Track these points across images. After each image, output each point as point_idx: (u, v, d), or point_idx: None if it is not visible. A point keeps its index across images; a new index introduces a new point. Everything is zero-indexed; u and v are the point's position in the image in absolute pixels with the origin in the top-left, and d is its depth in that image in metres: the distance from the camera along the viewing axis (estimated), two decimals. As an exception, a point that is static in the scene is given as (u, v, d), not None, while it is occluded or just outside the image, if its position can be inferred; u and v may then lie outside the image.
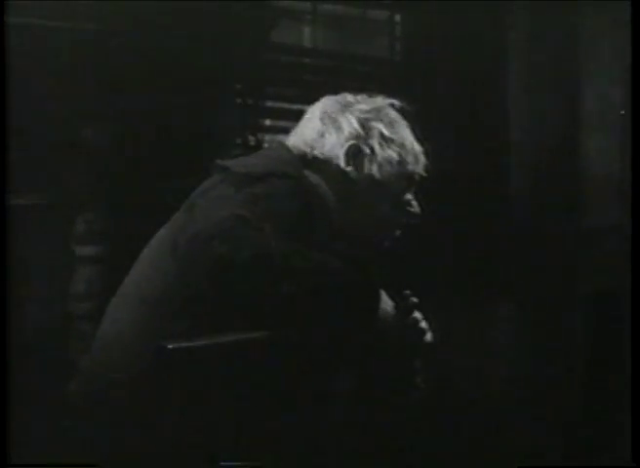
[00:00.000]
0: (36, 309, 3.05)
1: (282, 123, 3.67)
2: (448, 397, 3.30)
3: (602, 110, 3.85)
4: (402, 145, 2.08)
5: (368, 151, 2.05)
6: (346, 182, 2.04)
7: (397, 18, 3.98)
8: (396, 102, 2.14)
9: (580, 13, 3.84)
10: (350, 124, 2.06)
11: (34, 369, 2.87)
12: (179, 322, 1.83)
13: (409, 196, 2.11)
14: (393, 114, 2.11)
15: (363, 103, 2.10)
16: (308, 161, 2.04)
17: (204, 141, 3.31)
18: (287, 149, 2.07)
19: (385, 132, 2.07)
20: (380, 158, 2.06)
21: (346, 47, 3.96)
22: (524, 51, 3.91)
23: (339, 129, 2.06)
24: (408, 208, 2.11)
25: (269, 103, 3.67)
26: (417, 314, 1.92)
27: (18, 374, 2.27)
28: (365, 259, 1.97)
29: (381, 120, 2.08)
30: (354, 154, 2.05)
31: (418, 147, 2.11)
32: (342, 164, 2.04)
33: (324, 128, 2.07)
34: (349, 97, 2.12)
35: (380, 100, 2.13)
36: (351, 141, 2.05)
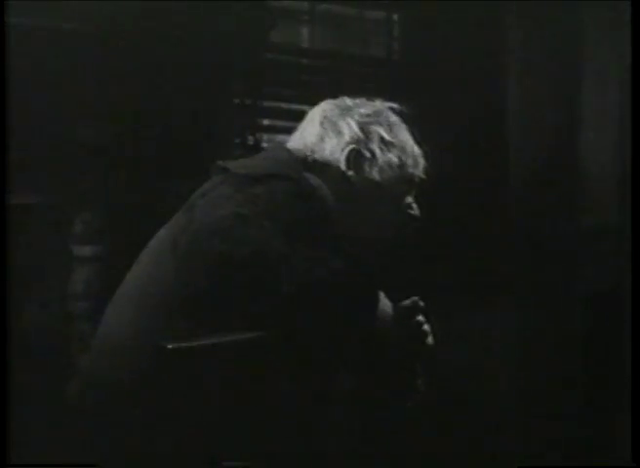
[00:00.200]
0: (36, 309, 3.04)
1: (281, 123, 3.67)
2: (447, 397, 3.30)
3: (602, 110, 3.85)
4: (402, 149, 2.08)
5: (368, 155, 2.06)
6: (347, 186, 2.04)
7: (395, 17, 3.98)
8: (395, 106, 2.14)
9: (580, 13, 3.84)
10: (350, 128, 2.06)
11: (34, 369, 2.87)
12: (179, 322, 1.83)
13: (409, 199, 2.11)
14: (393, 118, 2.11)
15: (362, 107, 2.10)
16: (309, 164, 2.04)
17: (203, 141, 3.31)
18: (287, 151, 2.07)
19: (385, 135, 2.07)
20: (380, 162, 2.06)
21: (344, 47, 3.96)
22: (524, 51, 3.91)
23: (339, 133, 2.06)
24: (408, 211, 2.11)
25: (268, 103, 3.67)
26: (420, 317, 1.92)
27: (18, 374, 2.27)
28: (365, 260, 1.97)
29: (381, 124, 2.08)
30: (355, 158, 2.05)
31: (417, 150, 2.12)
32: (343, 168, 2.04)
33: (324, 132, 2.07)
34: (348, 101, 2.12)
35: (380, 104, 2.13)
36: (352, 146, 2.05)
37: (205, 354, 1.79)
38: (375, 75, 3.90)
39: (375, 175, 2.06)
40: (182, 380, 1.78)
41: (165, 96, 3.21)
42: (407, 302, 1.92)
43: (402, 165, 2.08)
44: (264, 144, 3.62)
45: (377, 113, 2.10)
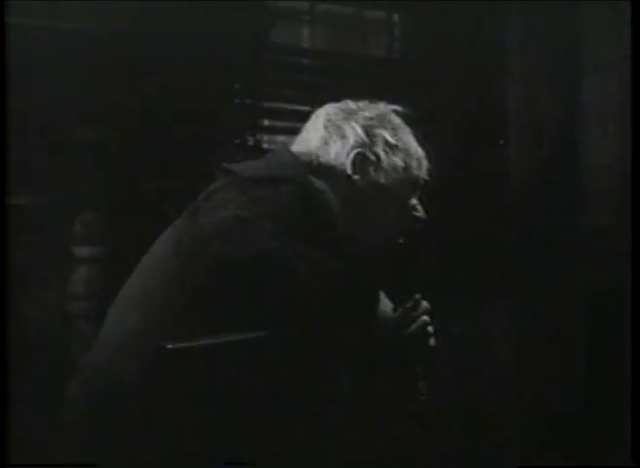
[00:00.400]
0: (36, 309, 3.04)
1: (281, 123, 3.67)
2: (447, 396, 3.30)
3: (602, 110, 3.85)
4: (406, 151, 2.09)
5: (373, 158, 2.06)
6: (352, 189, 2.04)
7: (395, 17, 3.98)
8: (399, 109, 2.14)
9: (580, 13, 3.84)
10: (355, 132, 2.06)
11: (34, 369, 2.87)
12: (181, 323, 1.83)
13: (413, 201, 2.12)
14: (396, 120, 2.11)
15: (366, 110, 2.10)
16: (314, 167, 2.04)
17: (203, 141, 3.31)
18: (292, 154, 2.07)
19: (390, 139, 2.07)
20: (385, 165, 2.07)
21: (344, 47, 3.96)
22: (524, 51, 3.91)
23: (343, 136, 2.06)
24: (413, 212, 2.12)
25: (268, 104, 3.67)
26: (424, 317, 1.92)
27: (18, 374, 2.27)
28: (366, 261, 1.97)
29: (385, 127, 2.08)
30: (360, 162, 2.05)
31: (421, 152, 2.12)
32: (349, 171, 2.04)
33: (328, 135, 2.07)
34: (352, 105, 2.12)
35: (383, 107, 2.13)
36: (357, 149, 2.05)
37: (204, 354, 1.79)
38: (375, 75, 3.90)
39: (380, 178, 2.06)
40: (182, 380, 1.78)
41: (165, 96, 3.20)
42: (410, 302, 1.93)
43: (407, 168, 2.09)
44: (265, 145, 3.62)
45: (380, 116, 2.10)
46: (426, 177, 2.13)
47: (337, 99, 2.17)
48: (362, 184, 2.05)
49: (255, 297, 1.78)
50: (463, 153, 3.76)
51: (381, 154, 2.06)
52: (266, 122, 3.70)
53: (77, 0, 3.06)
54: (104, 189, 3.17)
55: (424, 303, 1.94)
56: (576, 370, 3.77)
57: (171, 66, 3.21)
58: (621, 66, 3.58)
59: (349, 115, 2.09)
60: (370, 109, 2.11)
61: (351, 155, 2.05)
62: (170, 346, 1.77)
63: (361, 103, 2.13)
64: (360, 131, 2.06)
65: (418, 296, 1.94)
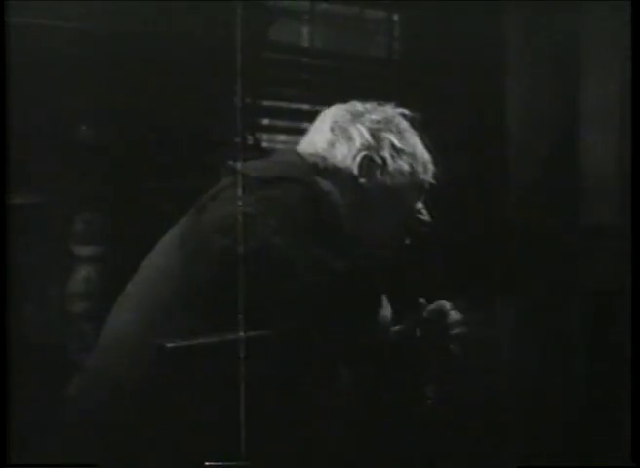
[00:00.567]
0: (36, 309, 3.04)
1: (281, 122, 3.67)
2: (447, 396, 3.30)
3: (602, 110, 3.85)
4: (412, 155, 2.09)
5: (380, 162, 2.07)
6: (358, 191, 2.05)
7: (396, 17, 3.98)
8: (406, 112, 2.14)
9: (580, 13, 3.84)
10: (362, 135, 2.07)
11: (34, 369, 2.87)
12: (185, 320, 1.83)
13: (419, 204, 2.13)
14: (403, 124, 2.12)
15: (373, 113, 2.11)
16: (320, 169, 2.05)
17: (203, 141, 3.31)
18: (299, 156, 2.08)
19: (396, 142, 2.08)
20: (391, 168, 2.07)
21: (344, 47, 3.96)
22: (524, 51, 3.91)
23: (349, 139, 2.07)
24: (418, 216, 2.12)
25: (267, 103, 3.66)
26: (449, 319, 1.94)
27: (18, 374, 2.27)
28: (368, 263, 1.98)
29: (392, 130, 2.09)
30: (367, 165, 2.05)
31: (427, 156, 2.13)
32: (355, 174, 2.05)
33: (334, 138, 2.08)
34: (359, 107, 2.13)
35: (390, 110, 2.14)
36: (364, 152, 2.06)
37: (204, 353, 1.79)
38: (375, 75, 3.90)
39: (386, 181, 2.07)
40: (182, 379, 1.78)
41: (165, 95, 3.20)
42: (433, 306, 1.94)
43: (413, 172, 2.09)
44: (264, 144, 3.61)
45: (387, 120, 2.10)
46: (432, 181, 2.14)
47: (336, 99, 2.17)
48: (368, 187, 2.06)
49: (256, 292, 1.79)
50: (463, 153, 3.76)
51: (388, 158, 2.07)
52: (266, 121, 3.70)
53: (77, 0, 3.06)
54: (104, 189, 3.17)
55: (450, 311, 1.96)
56: (576, 369, 3.76)
57: (171, 66, 3.21)
58: (621, 66, 3.57)
59: (356, 117, 2.09)
60: (377, 112, 2.11)
61: (358, 158, 2.05)
62: (169, 345, 1.77)
63: (368, 105, 2.13)
64: (367, 134, 2.07)
65: (422, 301, 1.95)
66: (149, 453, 1.80)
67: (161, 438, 1.80)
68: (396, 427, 2.02)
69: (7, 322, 2.21)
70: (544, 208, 3.90)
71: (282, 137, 3.78)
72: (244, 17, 3.46)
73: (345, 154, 2.05)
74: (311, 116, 3.90)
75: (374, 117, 2.09)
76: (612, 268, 3.68)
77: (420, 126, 2.14)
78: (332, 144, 2.06)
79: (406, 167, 2.07)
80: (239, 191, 1.89)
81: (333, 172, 2.03)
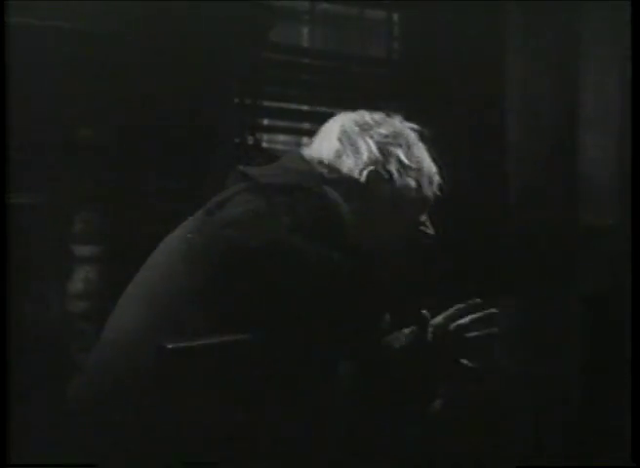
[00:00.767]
0: (36, 309, 3.04)
1: (280, 123, 3.68)
2: (447, 396, 3.30)
3: (602, 110, 3.85)
4: (419, 170, 2.09)
5: (386, 177, 2.06)
6: (363, 204, 2.05)
7: (395, 17, 3.99)
8: (415, 127, 2.14)
9: (580, 13, 3.84)
10: (369, 149, 2.06)
11: (34, 369, 2.87)
12: (189, 320, 1.84)
13: (423, 217, 2.13)
14: (411, 137, 2.11)
15: (382, 126, 2.09)
16: (328, 179, 2.04)
17: (203, 141, 3.32)
18: (307, 163, 2.07)
19: (404, 159, 2.07)
20: (397, 184, 2.07)
21: (344, 47, 3.96)
22: (524, 50, 3.91)
23: (357, 151, 2.06)
24: (422, 229, 2.12)
25: (267, 103, 3.67)
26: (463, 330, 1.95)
27: (18, 374, 2.27)
28: (371, 271, 1.98)
29: (400, 144, 2.08)
30: (374, 180, 2.05)
31: (433, 169, 2.12)
32: (361, 187, 2.05)
33: (342, 149, 2.07)
34: (367, 118, 2.11)
35: (398, 123, 2.12)
36: (371, 167, 2.05)
37: (204, 354, 1.79)
38: (375, 75, 3.90)
39: (391, 196, 2.07)
40: (182, 380, 1.78)
41: (165, 95, 3.21)
42: (447, 313, 1.96)
43: (419, 187, 2.09)
44: (264, 144, 3.62)
45: (395, 134, 2.09)
46: (437, 192, 2.14)
47: (336, 99, 2.17)
48: (373, 200, 2.06)
49: (263, 288, 1.80)
50: (463, 153, 3.76)
51: (394, 173, 2.06)
52: (266, 121, 3.71)
53: (77, 0, 3.07)
54: (104, 189, 3.17)
55: (466, 319, 1.97)
56: (575, 369, 3.77)
57: (171, 66, 3.22)
58: (621, 66, 3.58)
59: (365, 130, 2.08)
60: (385, 125, 2.10)
61: (365, 172, 2.05)
62: (170, 346, 1.77)
63: (377, 116, 2.12)
64: (374, 148, 2.06)
65: (425, 312, 1.96)
66: (149, 453, 1.80)
67: (161, 438, 1.80)
68: (400, 427, 2.02)
69: (7, 321, 2.21)
70: (544, 208, 3.90)
71: (282, 138, 3.79)
72: (244, 17, 3.46)
73: (352, 167, 2.05)
74: (311, 116, 3.91)
75: (382, 131, 2.08)
76: (612, 268, 3.68)
77: (429, 139, 2.14)
78: (339, 155, 2.06)
79: (412, 183, 2.07)
80: (251, 196, 1.90)
81: (339, 182, 2.03)
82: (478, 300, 2.02)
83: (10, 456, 2.07)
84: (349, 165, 2.05)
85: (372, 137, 2.07)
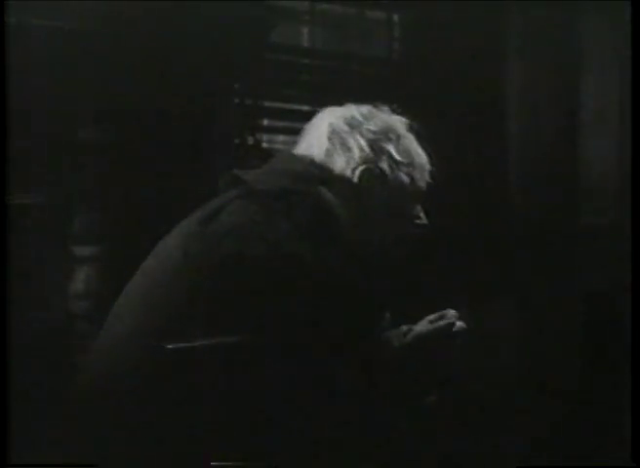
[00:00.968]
0: (36, 309, 3.04)
1: (280, 123, 3.67)
2: (447, 396, 3.30)
3: (602, 110, 3.85)
4: (411, 164, 2.08)
5: (379, 173, 2.06)
6: (358, 202, 2.04)
7: (395, 17, 3.98)
8: (404, 119, 2.14)
9: (580, 13, 3.84)
10: (361, 147, 2.05)
11: (34, 369, 2.87)
12: (184, 327, 1.83)
13: (417, 208, 2.12)
14: (401, 129, 2.10)
15: (371, 122, 2.09)
16: (321, 179, 2.04)
17: (203, 141, 3.32)
18: (298, 162, 2.06)
19: (395, 154, 2.07)
20: (390, 180, 2.07)
21: (345, 47, 3.96)
22: (524, 51, 3.91)
23: (348, 150, 2.06)
24: (416, 221, 2.12)
25: (268, 103, 3.67)
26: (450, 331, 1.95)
27: (18, 374, 2.27)
28: (368, 268, 1.98)
29: (390, 139, 2.08)
30: (367, 178, 2.05)
31: (424, 158, 2.11)
32: (355, 186, 2.04)
33: (333, 148, 2.06)
34: (356, 113, 2.10)
35: (387, 116, 2.12)
36: (363, 166, 2.05)
37: (204, 354, 1.79)
38: (375, 75, 3.90)
39: (385, 191, 2.06)
40: (182, 381, 1.78)
41: (165, 95, 3.21)
42: (433, 317, 1.96)
43: (411, 181, 2.09)
44: (264, 145, 3.62)
45: (385, 129, 2.09)
46: (429, 180, 2.13)
47: (336, 99, 2.16)
48: (367, 198, 2.05)
49: (267, 295, 1.80)
50: (463, 153, 3.76)
51: (387, 169, 2.06)
52: (266, 122, 3.70)
53: (77, 0, 3.07)
54: (104, 189, 3.17)
55: (456, 321, 1.97)
56: (575, 369, 3.77)
57: (171, 66, 3.22)
58: (622, 66, 3.58)
59: (354, 127, 2.07)
60: (374, 120, 2.09)
61: (357, 172, 2.04)
62: (169, 347, 1.77)
63: (364, 110, 2.11)
64: (365, 146, 2.05)
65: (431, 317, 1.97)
66: (149, 454, 1.80)
67: (161, 438, 1.80)
68: (398, 427, 2.02)
69: (7, 322, 2.21)
70: (544, 208, 3.90)
71: (282, 138, 3.78)
72: (245, 17, 3.46)
73: (344, 166, 2.04)
74: (311, 117, 3.91)
75: (372, 128, 2.07)
76: (612, 268, 3.68)
77: (419, 133, 2.14)
78: (330, 155, 2.05)
79: (404, 178, 2.07)
80: (247, 203, 1.89)
81: (332, 181, 2.03)
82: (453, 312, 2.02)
83: (10, 456, 2.07)
84: (341, 164, 2.05)
85: (362, 135, 2.06)
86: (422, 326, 1.99)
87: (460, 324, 2.00)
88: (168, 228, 2.02)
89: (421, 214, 2.12)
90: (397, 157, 2.06)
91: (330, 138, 2.06)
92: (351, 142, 2.05)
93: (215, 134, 3.39)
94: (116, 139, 3.17)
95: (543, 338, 3.79)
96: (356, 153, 2.05)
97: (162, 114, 3.22)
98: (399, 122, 2.11)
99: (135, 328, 1.89)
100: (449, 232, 3.67)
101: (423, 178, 2.11)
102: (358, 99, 2.14)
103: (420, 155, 2.10)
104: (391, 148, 2.06)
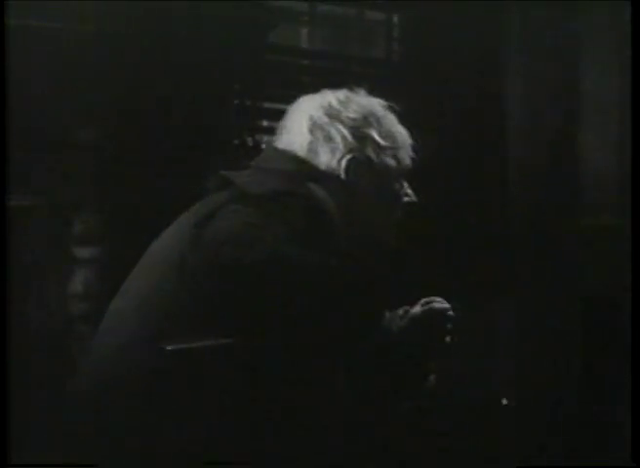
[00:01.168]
0: (36, 310, 3.04)
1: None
2: (447, 396, 3.30)
3: (602, 110, 3.85)
4: (394, 146, 2.08)
5: (364, 160, 2.05)
6: (347, 193, 2.04)
7: (395, 18, 3.98)
8: (381, 101, 2.13)
9: (580, 13, 3.84)
10: (344, 137, 2.05)
11: (34, 369, 2.87)
12: (186, 327, 1.83)
13: (405, 186, 2.12)
14: (380, 112, 2.10)
15: (350, 109, 2.08)
16: (307, 175, 2.03)
17: (203, 142, 3.31)
18: (284, 160, 2.05)
19: (378, 138, 2.06)
20: (377, 165, 2.06)
21: (344, 48, 3.96)
22: (524, 50, 3.91)
23: (331, 141, 2.05)
24: (405, 198, 2.12)
25: (267, 104, 3.66)
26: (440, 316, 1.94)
27: (18, 374, 2.27)
28: (366, 260, 1.98)
29: (371, 124, 2.07)
30: (354, 168, 2.04)
31: (405, 135, 2.11)
32: (343, 177, 2.04)
33: (315, 141, 2.05)
34: (333, 101, 2.09)
35: (365, 101, 2.11)
36: (348, 156, 2.04)
37: (204, 356, 1.79)
38: (375, 75, 3.90)
39: (372, 177, 2.06)
40: (181, 382, 1.78)
41: (165, 96, 3.21)
42: (426, 300, 1.95)
43: (397, 162, 2.08)
44: (264, 146, 3.61)
45: (364, 114, 2.08)
46: (412, 155, 2.12)
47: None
48: (356, 187, 2.05)
49: (268, 299, 1.79)
50: (463, 153, 3.76)
51: (372, 155, 2.06)
52: (266, 123, 3.70)
53: (77, 0, 3.07)
54: (104, 189, 3.17)
55: (440, 304, 1.96)
56: (576, 369, 3.77)
57: (171, 67, 3.21)
58: (621, 66, 3.58)
59: (333, 118, 2.06)
60: (352, 106, 2.08)
61: (343, 162, 2.04)
62: (169, 348, 1.77)
63: (341, 95, 2.10)
64: (348, 135, 2.05)
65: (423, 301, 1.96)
66: (149, 454, 1.80)
67: (160, 438, 1.80)
68: (393, 426, 2.02)
69: (7, 322, 2.21)
70: (544, 208, 3.90)
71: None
72: (244, 18, 3.46)
73: (329, 158, 2.03)
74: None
75: (351, 115, 2.06)
76: (612, 268, 3.68)
77: (396, 110, 2.12)
78: (314, 148, 2.04)
79: (390, 161, 2.06)
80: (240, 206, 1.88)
81: (319, 175, 2.02)
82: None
83: (10, 456, 2.07)
84: (326, 156, 2.04)
85: (343, 124, 2.05)
86: (417, 309, 1.97)
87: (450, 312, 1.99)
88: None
89: (409, 192, 2.12)
90: (380, 141, 2.06)
91: (311, 131, 2.05)
92: (333, 133, 2.04)
93: (214, 134, 3.39)
94: (116, 139, 3.16)
95: (543, 339, 3.79)
96: (340, 144, 2.04)
97: (162, 115, 3.21)
98: (377, 104, 2.11)
99: (134, 328, 1.88)
100: (449, 232, 3.67)
101: (408, 155, 2.10)
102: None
103: (402, 133, 2.10)
104: (373, 133, 2.06)
